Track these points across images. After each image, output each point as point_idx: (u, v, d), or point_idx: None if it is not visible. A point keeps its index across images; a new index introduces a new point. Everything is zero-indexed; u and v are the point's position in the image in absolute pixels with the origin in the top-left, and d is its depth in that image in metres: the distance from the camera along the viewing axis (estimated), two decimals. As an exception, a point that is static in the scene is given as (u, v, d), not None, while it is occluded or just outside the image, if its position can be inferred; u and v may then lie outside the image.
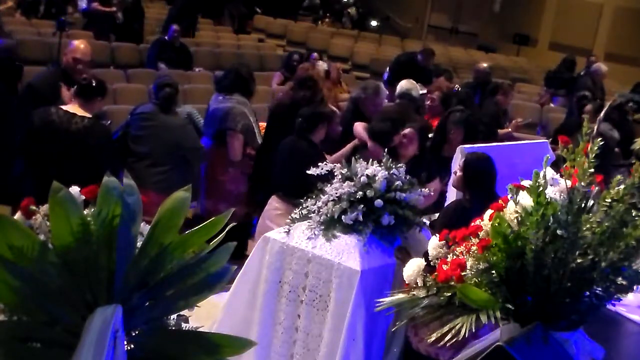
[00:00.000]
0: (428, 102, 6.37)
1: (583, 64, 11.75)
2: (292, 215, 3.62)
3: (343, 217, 3.44)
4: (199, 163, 5.38)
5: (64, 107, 4.38)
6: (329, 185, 3.57)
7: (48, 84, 4.94)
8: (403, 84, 6.32)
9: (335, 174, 3.59)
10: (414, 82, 6.56)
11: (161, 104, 5.25)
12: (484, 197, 3.52)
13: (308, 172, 3.63)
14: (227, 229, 2.20)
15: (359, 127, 5.29)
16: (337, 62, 10.69)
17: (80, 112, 4.36)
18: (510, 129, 7.26)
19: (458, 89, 6.97)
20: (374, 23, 19.33)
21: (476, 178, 3.89)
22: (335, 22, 18.06)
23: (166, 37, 9.80)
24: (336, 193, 3.49)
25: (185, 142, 5.21)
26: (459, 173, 3.99)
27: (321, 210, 3.50)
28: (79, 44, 5.30)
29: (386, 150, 4.23)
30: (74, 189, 2.13)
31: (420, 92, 6.65)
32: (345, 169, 3.58)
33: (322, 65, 7.27)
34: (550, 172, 2.40)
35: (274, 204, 4.69)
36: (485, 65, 8.82)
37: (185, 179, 4.90)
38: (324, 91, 5.83)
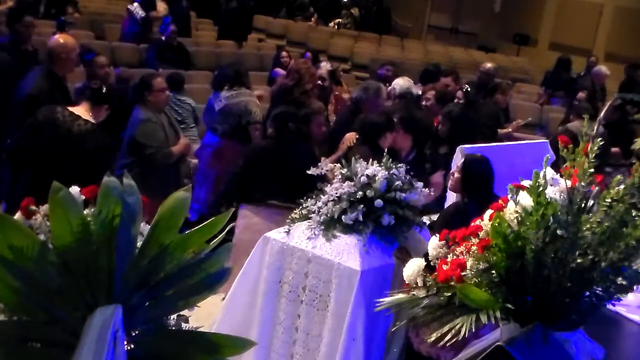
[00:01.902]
0: (424, 103, 6.41)
1: (583, 64, 11.75)
2: (292, 215, 3.62)
3: (343, 217, 3.43)
4: (158, 163, 5.18)
5: (70, 108, 4.38)
6: (328, 185, 3.58)
7: (46, 92, 4.88)
8: (401, 83, 6.35)
9: (336, 174, 3.60)
10: (409, 79, 6.63)
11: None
12: (482, 199, 3.53)
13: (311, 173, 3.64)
14: (227, 229, 2.20)
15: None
16: (337, 62, 10.68)
17: (85, 115, 4.36)
18: (510, 129, 7.28)
19: (467, 89, 6.99)
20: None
21: (474, 180, 3.91)
22: (320, 19, 17.96)
23: (163, 38, 9.80)
24: (336, 193, 3.48)
25: (140, 137, 5.13)
26: (456, 175, 4.00)
27: (321, 210, 3.50)
28: (61, 39, 5.13)
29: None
30: (74, 189, 2.13)
31: (415, 91, 6.71)
32: (345, 169, 3.58)
33: (326, 65, 7.26)
34: (550, 172, 2.40)
35: (273, 215, 4.45)
36: (489, 65, 8.78)
37: (144, 178, 4.84)
38: (309, 86, 5.86)
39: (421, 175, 4.68)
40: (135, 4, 11.08)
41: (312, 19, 17.35)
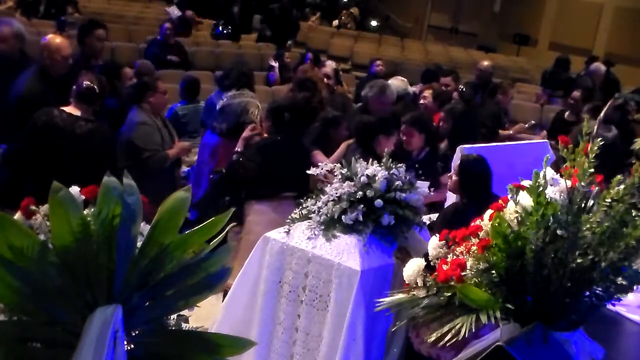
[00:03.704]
0: (422, 102, 6.43)
1: (583, 63, 11.75)
2: (292, 215, 3.62)
3: (343, 217, 3.43)
4: (154, 166, 5.13)
5: (66, 110, 4.37)
6: (329, 185, 3.59)
7: (38, 93, 4.82)
8: (397, 84, 6.37)
9: (335, 174, 3.60)
10: (403, 78, 6.65)
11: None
12: (481, 200, 3.53)
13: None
14: (227, 229, 2.20)
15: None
16: (337, 62, 10.68)
17: (82, 114, 4.36)
18: (511, 132, 7.29)
19: (463, 89, 7.01)
20: (374, 23, 19.35)
21: (472, 181, 3.91)
22: (324, 19, 18.03)
23: (159, 37, 9.75)
24: (336, 193, 3.48)
25: (137, 140, 5.09)
26: (454, 177, 4.00)
27: (321, 210, 3.50)
28: (56, 40, 5.09)
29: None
30: (74, 189, 2.13)
31: (412, 90, 6.74)
32: (345, 169, 3.58)
33: (331, 64, 7.27)
34: (550, 172, 2.40)
35: (289, 207, 4.55)
36: (487, 64, 8.79)
37: (139, 182, 4.79)
38: (322, 93, 5.87)
39: (432, 174, 4.71)
40: (173, 7, 11.90)
41: (313, 18, 17.40)
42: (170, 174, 5.37)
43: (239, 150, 4.78)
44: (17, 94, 4.86)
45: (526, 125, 7.58)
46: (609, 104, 4.93)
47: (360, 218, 3.42)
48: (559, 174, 2.45)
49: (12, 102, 4.82)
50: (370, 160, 3.59)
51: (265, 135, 4.90)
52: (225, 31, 12.57)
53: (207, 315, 3.57)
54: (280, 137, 4.64)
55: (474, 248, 2.45)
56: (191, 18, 12.15)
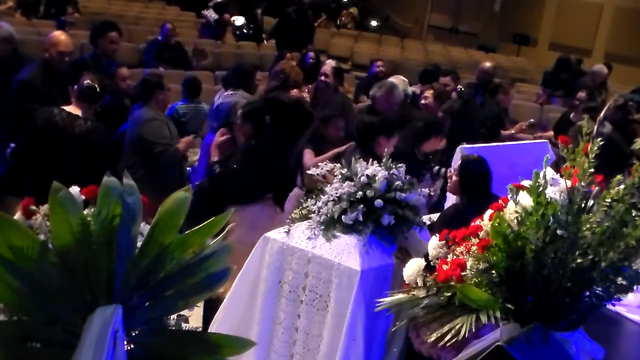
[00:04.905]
0: (423, 102, 6.44)
1: (585, 64, 11.75)
2: (292, 215, 3.62)
3: (343, 217, 3.43)
4: (167, 160, 5.23)
5: (66, 109, 4.38)
6: (329, 185, 3.59)
7: (41, 80, 4.99)
8: (398, 84, 6.36)
9: (336, 174, 3.60)
10: (401, 77, 6.65)
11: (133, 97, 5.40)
12: (480, 201, 3.53)
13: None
14: (227, 229, 2.20)
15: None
16: (337, 62, 10.68)
17: (82, 113, 4.37)
18: (512, 132, 7.29)
19: (461, 89, 7.00)
20: (374, 23, 19.35)
21: (471, 182, 3.91)
22: (330, 21, 18.09)
23: (159, 37, 9.73)
24: (336, 193, 3.48)
25: (147, 135, 5.15)
26: (454, 178, 4.00)
27: (321, 210, 3.50)
28: (60, 36, 5.30)
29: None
30: (74, 189, 2.13)
31: (412, 90, 6.73)
32: (345, 169, 3.58)
33: (331, 62, 7.26)
34: (550, 172, 2.41)
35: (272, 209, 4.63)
36: (488, 64, 8.79)
37: (150, 177, 4.86)
38: (296, 85, 5.88)
39: None
40: (210, 10, 12.17)
41: (319, 20, 17.46)
42: (179, 169, 5.47)
43: (216, 159, 4.79)
44: (20, 79, 5.01)
45: (525, 125, 7.58)
46: (609, 104, 4.93)
47: (360, 218, 3.42)
48: (559, 174, 2.45)
49: (15, 87, 4.95)
50: (370, 160, 3.59)
51: (243, 138, 4.87)
52: (248, 32, 12.93)
53: (207, 315, 3.57)
54: (265, 140, 4.66)
55: (474, 248, 2.45)
56: (227, 20, 12.41)
